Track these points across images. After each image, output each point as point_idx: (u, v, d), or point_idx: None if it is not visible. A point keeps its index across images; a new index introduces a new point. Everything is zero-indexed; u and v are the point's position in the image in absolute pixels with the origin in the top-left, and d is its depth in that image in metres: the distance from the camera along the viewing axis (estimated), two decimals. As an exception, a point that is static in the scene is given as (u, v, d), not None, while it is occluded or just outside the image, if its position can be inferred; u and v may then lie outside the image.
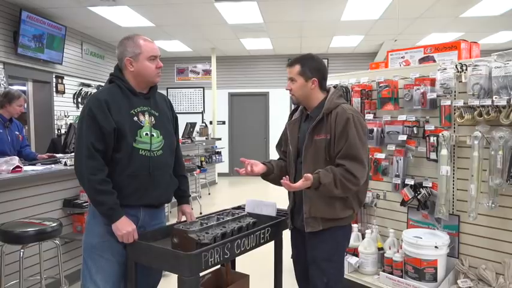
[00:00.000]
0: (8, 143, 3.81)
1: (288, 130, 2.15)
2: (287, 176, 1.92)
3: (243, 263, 2.52)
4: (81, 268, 1.96)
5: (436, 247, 2.55)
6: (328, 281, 1.98)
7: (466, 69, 2.53)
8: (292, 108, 2.27)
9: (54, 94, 6.79)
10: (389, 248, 2.88)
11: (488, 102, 2.37)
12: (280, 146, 2.27)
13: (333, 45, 8.88)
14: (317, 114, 1.99)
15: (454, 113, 2.62)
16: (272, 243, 2.20)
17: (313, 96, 2.04)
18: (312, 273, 2.03)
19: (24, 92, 5.94)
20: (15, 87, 5.95)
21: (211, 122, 9.33)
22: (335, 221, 1.98)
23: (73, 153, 2.28)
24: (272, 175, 2.15)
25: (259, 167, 2.10)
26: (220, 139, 9.08)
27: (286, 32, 7.73)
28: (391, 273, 2.81)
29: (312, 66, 2.01)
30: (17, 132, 3.98)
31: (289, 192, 2.15)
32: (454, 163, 2.70)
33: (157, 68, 1.94)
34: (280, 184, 2.16)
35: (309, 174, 1.83)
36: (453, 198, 2.72)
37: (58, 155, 3.91)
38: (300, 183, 1.84)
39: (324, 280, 1.98)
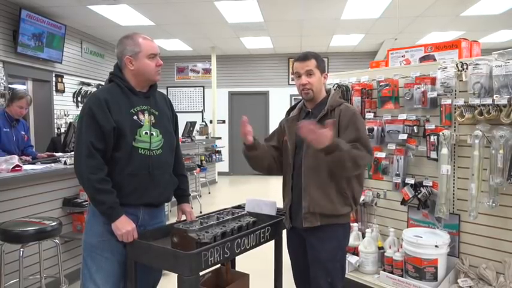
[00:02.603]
0: (13, 142, 3.86)
1: (286, 127, 2.14)
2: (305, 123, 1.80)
3: (243, 262, 2.51)
4: (80, 267, 1.96)
5: (436, 246, 2.54)
6: (333, 281, 1.98)
7: (467, 68, 2.52)
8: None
9: (54, 93, 6.79)
10: (390, 247, 2.87)
11: (488, 101, 2.36)
12: (269, 140, 2.23)
13: (333, 44, 8.88)
14: (319, 110, 2.01)
15: (455, 112, 2.62)
16: (272, 242, 2.20)
17: (322, 92, 2.09)
18: (315, 274, 2.01)
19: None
20: (14, 86, 5.95)
21: (211, 121, 9.33)
22: (333, 217, 1.97)
23: (73, 152, 2.28)
24: (254, 151, 2.08)
25: (250, 138, 2.03)
26: (220, 138, 9.07)
27: (286, 30, 7.73)
28: (392, 272, 2.80)
29: (323, 62, 2.09)
30: (22, 132, 4.02)
31: (284, 190, 2.14)
32: (454, 162, 2.69)
33: (157, 66, 1.93)
34: (256, 167, 2.15)
35: (330, 132, 1.75)
36: (453, 197, 2.71)
37: (58, 154, 3.92)
38: (317, 134, 1.73)
39: (328, 280, 1.98)
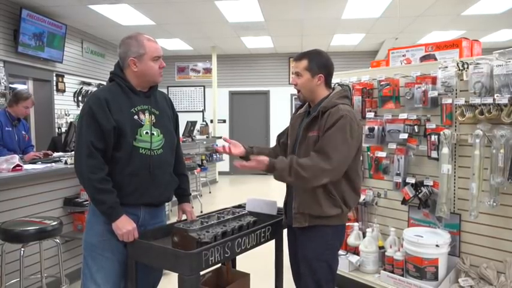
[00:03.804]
0: (15, 142, 3.88)
1: (290, 123, 2.16)
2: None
3: (243, 262, 2.51)
4: (81, 267, 1.96)
5: (437, 246, 2.54)
6: (319, 280, 1.97)
7: (468, 68, 2.52)
8: (294, 105, 2.27)
9: (55, 92, 6.79)
10: (390, 247, 2.87)
11: (489, 100, 2.36)
12: (281, 136, 2.27)
13: (333, 44, 8.87)
14: (315, 111, 1.99)
15: (456, 112, 2.61)
16: (272, 242, 2.20)
17: (318, 93, 2.03)
18: (302, 272, 2.02)
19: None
20: (15, 86, 5.96)
21: (211, 121, 9.33)
22: (322, 219, 1.94)
23: (73, 152, 2.28)
24: None
25: (239, 150, 2.19)
26: (220, 137, 9.07)
27: (287, 30, 7.72)
28: (392, 271, 2.81)
29: (319, 62, 2.00)
30: (23, 132, 4.04)
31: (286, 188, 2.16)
32: (455, 162, 2.69)
33: (160, 68, 1.94)
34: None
35: (264, 158, 1.87)
36: (454, 196, 2.71)
37: (57, 154, 3.91)
38: (253, 164, 1.88)
39: (314, 279, 1.97)
